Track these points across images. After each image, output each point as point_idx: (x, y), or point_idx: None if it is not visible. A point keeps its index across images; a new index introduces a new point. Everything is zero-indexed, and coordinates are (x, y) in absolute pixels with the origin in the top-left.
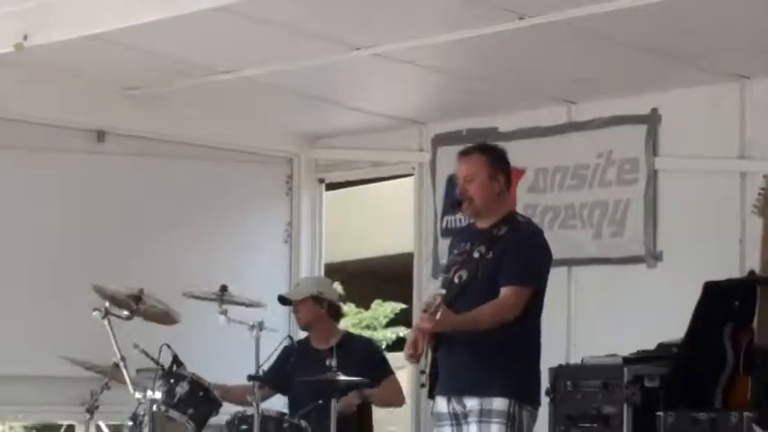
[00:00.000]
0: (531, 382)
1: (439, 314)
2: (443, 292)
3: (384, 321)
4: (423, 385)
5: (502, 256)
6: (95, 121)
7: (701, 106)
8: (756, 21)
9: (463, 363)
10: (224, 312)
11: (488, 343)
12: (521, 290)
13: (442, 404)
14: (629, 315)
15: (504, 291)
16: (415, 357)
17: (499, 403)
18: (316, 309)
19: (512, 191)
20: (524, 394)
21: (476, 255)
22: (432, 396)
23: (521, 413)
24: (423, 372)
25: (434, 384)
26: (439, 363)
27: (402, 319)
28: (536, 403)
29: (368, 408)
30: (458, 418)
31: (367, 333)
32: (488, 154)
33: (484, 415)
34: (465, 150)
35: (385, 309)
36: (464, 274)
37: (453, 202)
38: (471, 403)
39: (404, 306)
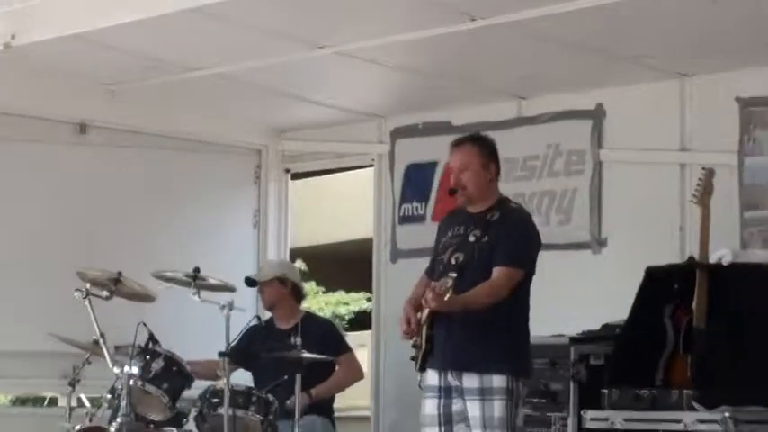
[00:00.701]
0: (524, 356)
1: (447, 296)
2: (455, 275)
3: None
4: (413, 358)
5: (497, 240)
6: (78, 114)
7: (643, 102)
8: (695, 23)
9: (462, 341)
10: (197, 293)
11: (485, 322)
12: (514, 271)
13: (432, 378)
14: (576, 298)
15: (498, 272)
16: (408, 333)
17: (499, 380)
18: (280, 289)
19: None
20: (520, 369)
21: (471, 239)
22: (423, 369)
23: (518, 386)
24: (415, 346)
25: (426, 359)
26: (435, 339)
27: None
28: (529, 374)
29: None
30: (449, 392)
31: (330, 309)
32: (480, 144)
33: (485, 393)
34: (457, 141)
35: (349, 297)
36: (461, 256)
37: (448, 190)
38: (470, 381)
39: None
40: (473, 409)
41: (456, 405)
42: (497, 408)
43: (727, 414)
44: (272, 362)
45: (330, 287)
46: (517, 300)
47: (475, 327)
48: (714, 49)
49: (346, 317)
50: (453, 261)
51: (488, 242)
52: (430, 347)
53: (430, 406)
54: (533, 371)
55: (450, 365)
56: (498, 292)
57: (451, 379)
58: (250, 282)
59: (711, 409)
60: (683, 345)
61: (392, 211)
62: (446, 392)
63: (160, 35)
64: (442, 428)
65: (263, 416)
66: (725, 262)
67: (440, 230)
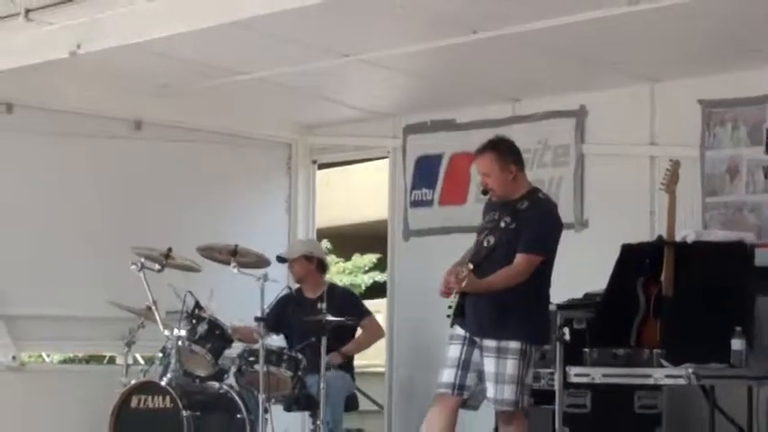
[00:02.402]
0: (539, 327)
1: (464, 283)
2: (471, 266)
3: (365, 268)
4: (448, 316)
5: (523, 227)
6: (133, 112)
7: (619, 103)
8: (663, 36)
9: (485, 313)
10: (236, 266)
11: (507, 297)
12: (533, 257)
13: (460, 331)
14: (561, 270)
15: (519, 257)
16: (446, 295)
17: (514, 344)
18: (307, 265)
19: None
20: (534, 337)
21: (502, 224)
22: (452, 325)
23: (531, 350)
24: (450, 307)
25: (457, 316)
26: (465, 307)
27: (378, 265)
28: (544, 343)
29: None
30: (472, 342)
31: (349, 278)
32: (497, 150)
33: (501, 352)
34: (479, 150)
35: (363, 260)
36: (491, 239)
37: (482, 191)
38: (490, 343)
39: (379, 255)
40: (489, 365)
41: (475, 356)
42: (510, 365)
43: (690, 370)
44: (301, 326)
45: (344, 253)
46: (536, 280)
47: (496, 303)
48: (680, 58)
49: (362, 285)
50: (485, 243)
51: (515, 228)
52: (459, 312)
53: (453, 350)
54: (548, 340)
55: (473, 332)
56: (517, 277)
57: (475, 337)
58: (281, 259)
59: (677, 366)
60: (653, 311)
61: (404, 197)
62: (470, 342)
63: (206, 44)
64: (459, 372)
65: (293, 372)
66: (689, 240)
67: (483, 214)
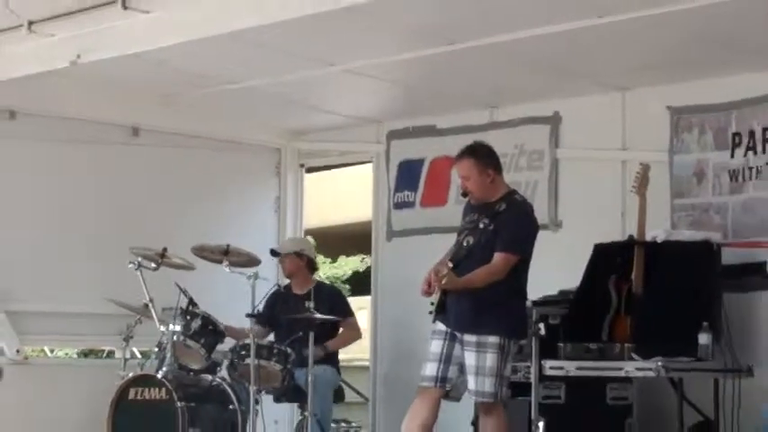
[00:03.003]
0: (517, 322)
1: (444, 280)
2: (451, 265)
3: (349, 273)
4: (430, 312)
5: (500, 228)
6: (131, 119)
7: (591, 110)
8: (633, 47)
9: (465, 310)
10: (228, 265)
11: (486, 294)
12: (510, 256)
13: (442, 326)
14: (537, 269)
15: (497, 256)
16: (427, 293)
17: (493, 339)
18: (297, 261)
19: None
20: (512, 332)
21: (481, 225)
22: (434, 321)
23: (509, 344)
24: (432, 304)
25: (438, 314)
26: (447, 304)
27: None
28: (521, 338)
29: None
30: (453, 338)
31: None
32: (475, 155)
33: (481, 346)
34: (458, 155)
35: (349, 262)
36: (471, 239)
37: (461, 194)
38: (470, 338)
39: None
40: (470, 358)
41: (456, 350)
42: (490, 359)
43: (659, 363)
44: (289, 321)
45: (332, 253)
46: (513, 278)
47: (476, 300)
48: (649, 67)
49: (344, 277)
50: (465, 243)
51: (494, 229)
52: (441, 308)
53: (435, 345)
54: (526, 335)
55: (454, 327)
56: (495, 275)
57: (455, 333)
58: (274, 252)
59: (647, 359)
60: (624, 307)
61: (388, 199)
62: (451, 337)
63: (199, 55)
64: (441, 365)
65: (283, 365)
66: (658, 240)
67: (463, 216)
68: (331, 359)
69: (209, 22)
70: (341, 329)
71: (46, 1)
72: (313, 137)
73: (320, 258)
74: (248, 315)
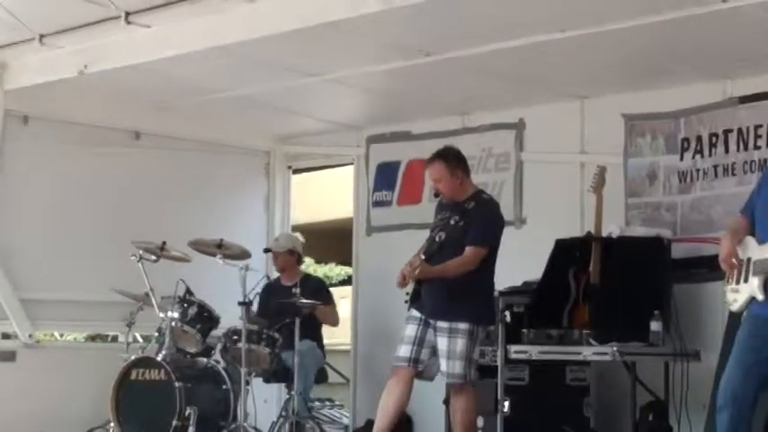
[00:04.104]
0: (486, 310)
1: (417, 270)
2: (423, 257)
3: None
4: (406, 302)
5: (469, 224)
6: (133, 124)
7: (553, 117)
8: (591, 59)
9: (438, 298)
10: (221, 258)
11: (457, 285)
12: (479, 250)
13: (416, 313)
14: (503, 262)
15: (467, 250)
16: (402, 284)
17: (464, 325)
18: (289, 258)
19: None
20: (480, 320)
21: (452, 222)
22: (410, 308)
23: (478, 330)
24: (408, 294)
25: (413, 302)
26: (422, 293)
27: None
28: (489, 324)
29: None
30: (427, 324)
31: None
32: (445, 159)
33: (452, 332)
34: (430, 159)
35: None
36: (442, 235)
37: (434, 194)
38: (443, 324)
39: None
40: (442, 343)
41: (429, 335)
42: (460, 344)
43: (614, 348)
44: (277, 308)
45: (320, 255)
46: (482, 269)
47: (448, 289)
48: (605, 78)
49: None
50: (437, 238)
51: (463, 225)
52: (416, 295)
53: (410, 329)
54: (493, 322)
55: (428, 315)
56: (465, 266)
57: (429, 319)
58: (268, 251)
59: (603, 344)
60: (582, 297)
61: (367, 197)
62: (425, 323)
63: (195, 66)
64: (414, 347)
65: (271, 349)
66: (614, 236)
67: (435, 213)
68: (315, 337)
69: (201, 37)
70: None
71: (56, 16)
72: (299, 141)
73: (308, 261)
74: (240, 303)
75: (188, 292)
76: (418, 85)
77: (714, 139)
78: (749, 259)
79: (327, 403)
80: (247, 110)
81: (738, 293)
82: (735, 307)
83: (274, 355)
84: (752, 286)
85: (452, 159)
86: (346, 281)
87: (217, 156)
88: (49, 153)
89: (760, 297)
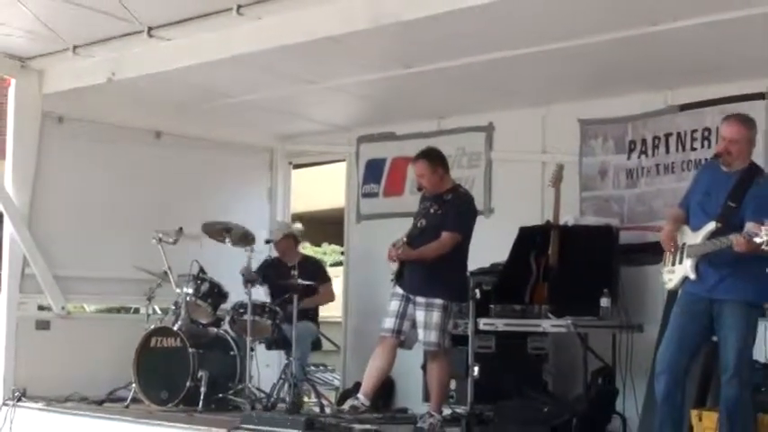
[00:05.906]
0: (459, 288)
1: (401, 251)
2: (405, 239)
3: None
4: (392, 279)
5: (447, 212)
6: (155, 125)
7: (519, 121)
8: (551, 71)
9: (418, 277)
10: (230, 241)
11: (435, 265)
12: (455, 235)
13: (399, 290)
14: (474, 246)
15: (444, 235)
16: (391, 258)
17: (439, 301)
18: (287, 241)
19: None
20: (454, 296)
21: (432, 211)
22: (394, 286)
23: (451, 305)
24: (393, 273)
25: (398, 279)
26: (405, 272)
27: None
28: (462, 300)
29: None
30: (408, 300)
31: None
32: (428, 158)
33: (429, 306)
34: (415, 158)
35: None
36: (423, 222)
37: (417, 188)
38: (421, 299)
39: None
40: (420, 315)
41: (410, 309)
42: (436, 317)
43: (570, 321)
44: (279, 285)
45: (316, 240)
46: (457, 252)
47: (427, 269)
48: (564, 87)
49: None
50: (419, 225)
51: (441, 214)
52: (400, 274)
53: (394, 304)
54: (466, 299)
55: (409, 291)
56: (442, 249)
57: (409, 294)
58: (269, 242)
59: (560, 318)
60: (542, 277)
61: (357, 190)
62: (407, 299)
63: (208, 74)
64: (397, 320)
65: (273, 320)
66: (569, 224)
67: (419, 204)
68: (312, 316)
69: (215, 48)
70: (320, 291)
71: (87, 29)
72: (299, 140)
73: (305, 245)
74: (242, 276)
75: (201, 270)
76: (402, 93)
77: (657, 141)
78: (684, 244)
79: (321, 368)
80: (254, 113)
81: (674, 274)
82: (670, 285)
83: (275, 326)
84: (685, 267)
85: (435, 158)
86: (339, 263)
87: (226, 153)
88: (81, 149)
89: (692, 276)
